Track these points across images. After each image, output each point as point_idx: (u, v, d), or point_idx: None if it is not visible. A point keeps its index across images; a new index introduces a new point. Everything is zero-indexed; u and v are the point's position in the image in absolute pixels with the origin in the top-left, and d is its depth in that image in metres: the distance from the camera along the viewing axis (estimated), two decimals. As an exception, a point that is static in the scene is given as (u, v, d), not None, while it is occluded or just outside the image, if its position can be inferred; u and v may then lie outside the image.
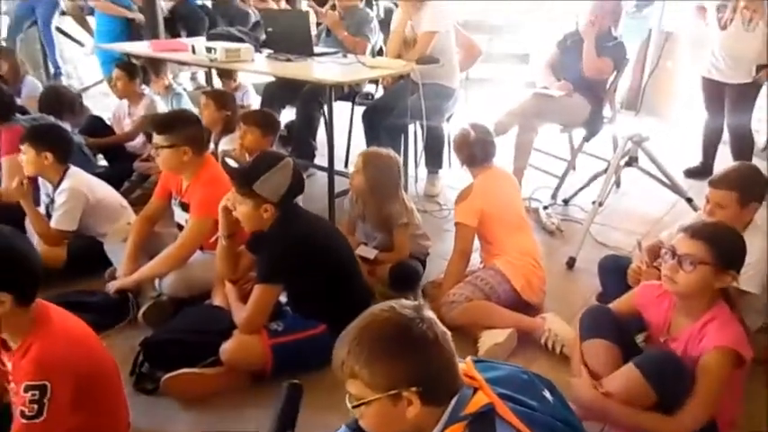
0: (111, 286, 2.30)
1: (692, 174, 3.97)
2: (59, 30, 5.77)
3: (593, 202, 2.94)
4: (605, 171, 3.10)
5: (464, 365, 1.07)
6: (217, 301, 2.21)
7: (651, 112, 5.32)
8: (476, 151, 2.47)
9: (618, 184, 3.73)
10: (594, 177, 3.36)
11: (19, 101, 3.77)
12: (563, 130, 3.61)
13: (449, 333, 1.02)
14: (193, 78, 5.83)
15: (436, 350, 0.99)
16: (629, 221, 3.32)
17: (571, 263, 2.81)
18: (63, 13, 5.66)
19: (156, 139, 2.27)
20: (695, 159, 4.09)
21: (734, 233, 1.59)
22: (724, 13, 3.49)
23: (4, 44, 5.11)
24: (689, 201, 3.08)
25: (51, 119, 3.05)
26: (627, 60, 3.57)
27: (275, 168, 1.93)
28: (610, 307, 1.78)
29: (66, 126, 3.25)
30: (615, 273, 2.17)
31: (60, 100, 3.38)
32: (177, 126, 2.28)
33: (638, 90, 3.08)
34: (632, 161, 3.00)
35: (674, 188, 3.12)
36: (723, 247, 1.51)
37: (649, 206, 3.51)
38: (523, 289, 2.32)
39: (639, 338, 1.87)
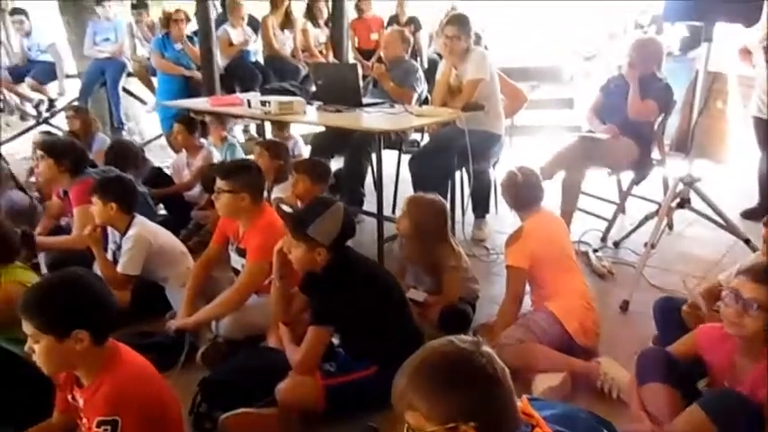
0: (171, 325, 2.40)
1: (749, 215, 3.85)
2: (125, 89, 6.19)
3: (646, 245, 2.90)
4: (656, 213, 3.06)
5: (520, 403, 1.08)
6: (272, 342, 2.27)
7: (703, 154, 5.21)
8: (523, 194, 2.49)
9: (671, 226, 3.65)
10: (646, 220, 3.31)
11: (90, 155, 4.06)
12: (611, 173, 3.59)
13: (507, 369, 1.03)
14: (246, 131, 6.10)
15: (495, 385, 1.00)
16: (684, 264, 3.24)
17: (625, 306, 2.76)
18: (129, 75, 6.07)
19: (219, 183, 2.40)
20: (752, 201, 3.98)
21: None
22: (773, 53, 3.47)
23: (76, 103, 5.49)
24: (746, 242, 2.99)
25: (118, 171, 3.26)
26: (674, 102, 3.56)
27: (327, 213, 2.01)
28: (668, 350, 1.74)
29: (131, 177, 3.47)
30: (671, 315, 2.12)
31: (125, 154, 3.62)
32: (239, 173, 2.42)
33: (688, 132, 3.06)
34: (684, 203, 2.95)
35: (731, 229, 3.04)
36: None
37: (705, 248, 3.42)
38: (576, 332, 2.28)
39: (702, 384, 1.81)
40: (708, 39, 2.77)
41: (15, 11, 6.34)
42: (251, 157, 3.64)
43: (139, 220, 2.64)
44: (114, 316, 1.50)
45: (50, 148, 2.95)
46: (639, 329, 2.56)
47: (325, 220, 2.00)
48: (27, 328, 1.43)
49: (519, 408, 1.06)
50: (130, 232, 2.58)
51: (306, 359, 1.99)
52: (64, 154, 2.90)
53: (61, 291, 1.47)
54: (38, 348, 1.43)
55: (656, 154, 3.57)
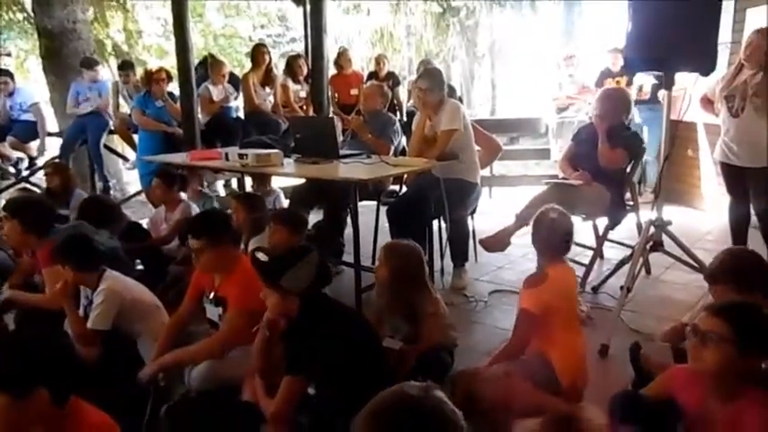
0: (143, 375, 2.31)
1: (724, 258, 3.89)
2: (106, 146, 6.23)
3: (621, 288, 2.91)
4: (631, 257, 3.09)
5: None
6: (247, 395, 2.21)
7: (678, 200, 5.35)
8: (555, 239, 2.36)
9: (648, 270, 3.70)
10: (621, 264, 3.34)
11: (67, 211, 4.05)
12: (585, 219, 3.64)
13: (459, 413, 1.02)
14: (227, 185, 6.14)
15: (447, 429, 0.99)
16: (662, 308, 3.25)
17: (604, 350, 2.75)
18: (111, 132, 6.13)
19: (194, 243, 2.39)
20: (728, 244, 4.04)
21: (759, 311, 1.56)
22: (734, 102, 3.57)
23: (56, 161, 5.51)
24: (721, 284, 3.01)
25: (85, 227, 3.25)
26: (643, 149, 3.66)
27: (301, 262, 2.01)
28: (641, 392, 1.73)
29: (104, 233, 3.45)
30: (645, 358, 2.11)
31: (98, 209, 3.60)
32: (210, 228, 2.42)
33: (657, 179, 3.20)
34: (657, 246, 2.99)
35: (703, 271, 3.06)
36: (746, 325, 1.48)
37: (683, 292, 3.45)
38: (568, 387, 2.22)
39: (679, 427, 1.78)
40: (667, 87, 2.89)
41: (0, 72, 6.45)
42: (229, 211, 3.66)
43: (110, 274, 2.59)
44: (76, 376, 1.46)
45: (14, 208, 2.89)
46: (619, 373, 2.53)
47: (298, 270, 1.99)
48: None
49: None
50: (101, 286, 2.53)
51: (279, 410, 1.94)
52: (28, 214, 2.85)
53: (19, 349, 1.43)
54: None
55: (629, 199, 3.65)
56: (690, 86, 3.43)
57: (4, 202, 4.89)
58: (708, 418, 1.56)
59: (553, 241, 2.35)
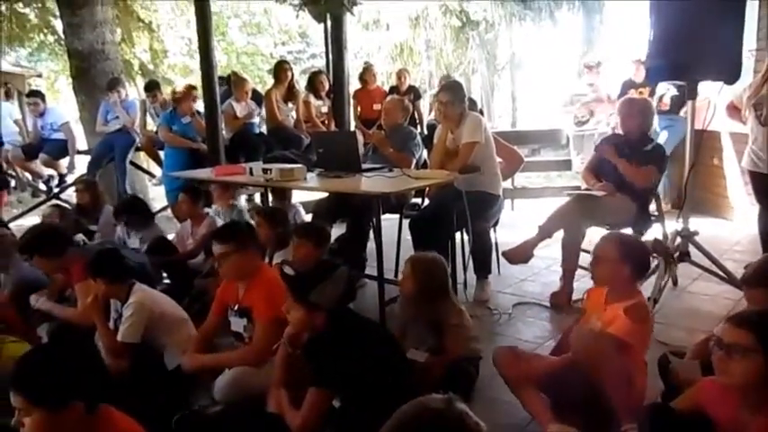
0: (186, 366, 2.39)
1: (753, 269, 3.82)
2: (133, 163, 6.37)
3: (648, 299, 2.87)
4: (656, 268, 3.05)
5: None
6: (272, 406, 2.23)
7: (704, 210, 5.26)
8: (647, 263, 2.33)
9: (675, 282, 3.64)
10: (647, 275, 3.29)
11: (96, 227, 4.15)
12: (610, 229, 3.60)
13: (483, 425, 1.02)
14: (250, 200, 6.21)
15: None
16: (690, 319, 3.20)
17: (631, 363, 2.70)
18: (138, 149, 6.26)
19: (221, 248, 2.44)
20: (757, 255, 3.95)
21: None
22: (761, 110, 3.51)
23: (86, 177, 5.65)
24: (751, 295, 2.96)
25: (110, 243, 3.38)
26: (667, 159, 3.62)
27: (330, 278, 2.03)
28: (670, 405, 1.71)
29: (135, 241, 3.54)
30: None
31: (135, 204, 3.87)
32: (236, 233, 2.48)
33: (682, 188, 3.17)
34: (683, 256, 2.95)
35: (733, 282, 3.02)
36: None
37: (711, 304, 3.38)
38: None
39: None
40: (691, 97, 2.86)
41: (31, 93, 6.66)
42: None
43: (139, 287, 2.65)
44: (106, 384, 1.49)
45: (29, 247, 2.99)
46: (648, 386, 2.49)
47: (327, 286, 2.02)
48: (16, 401, 1.40)
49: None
50: (131, 300, 2.59)
51: (306, 422, 1.95)
52: (44, 246, 2.95)
53: (53, 362, 1.46)
54: (28, 422, 1.40)
55: (654, 209, 3.61)
56: (714, 95, 3.39)
57: (36, 219, 5.04)
58: (742, 430, 1.54)
59: (646, 267, 2.33)
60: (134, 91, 10.15)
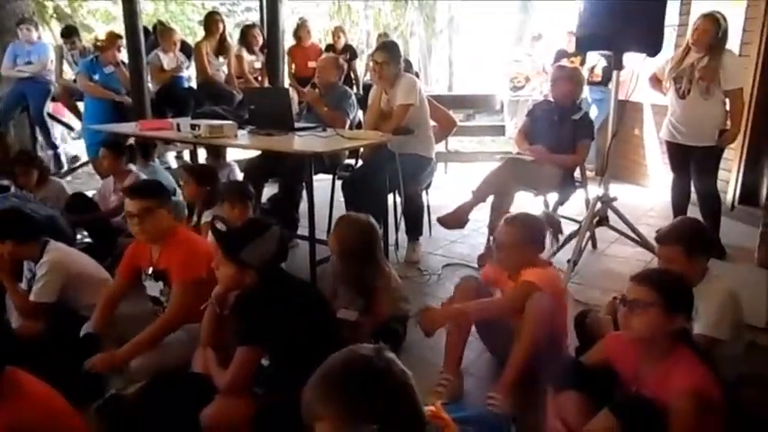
0: (93, 366, 2.22)
1: (664, 233, 4.08)
2: (49, 114, 5.96)
3: (568, 261, 3.02)
4: (578, 232, 3.20)
5: (433, 408, 1.10)
6: (197, 367, 2.20)
7: (623, 177, 5.54)
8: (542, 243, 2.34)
9: (594, 244, 3.83)
10: (569, 238, 3.44)
11: (7, 182, 3.88)
12: (537, 194, 3.74)
13: (409, 372, 1.05)
14: (179, 157, 5.99)
15: (396, 388, 1.02)
16: (607, 280, 3.39)
17: (550, 321, 2.84)
18: (53, 99, 5.86)
19: (138, 204, 2.31)
20: (669, 220, 4.22)
21: (678, 277, 1.68)
22: (681, 83, 3.69)
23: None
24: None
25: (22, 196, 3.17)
26: (593, 128, 3.77)
27: (262, 237, 2.00)
28: (581, 359, 1.82)
29: (14, 205, 3.31)
30: (589, 327, 2.21)
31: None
32: (153, 189, 2.38)
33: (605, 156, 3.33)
34: (603, 221, 3.11)
35: (645, 245, 3.21)
36: (668, 289, 1.59)
37: (626, 265, 3.59)
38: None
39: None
40: (617, 67, 2.97)
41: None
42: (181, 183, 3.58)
43: (54, 245, 2.51)
44: (12, 346, 1.42)
45: None
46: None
47: (258, 245, 1.98)
48: None
49: (431, 412, 1.08)
50: (44, 258, 2.45)
51: (235, 380, 1.94)
52: None
53: None
54: None
55: (578, 176, 3.76)
56: (638, 68, 3.53)
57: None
58: (642, 379, 1.66)
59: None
60: (49, 36, 9.42)
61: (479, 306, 2.22)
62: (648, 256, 3.42)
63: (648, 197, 5.21)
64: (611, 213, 3.27)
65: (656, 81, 3.83)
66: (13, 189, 3.74)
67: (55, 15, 10.97)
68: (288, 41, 6.48)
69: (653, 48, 2.86)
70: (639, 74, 3.43)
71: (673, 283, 1.63)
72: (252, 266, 1.97)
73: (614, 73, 3.02)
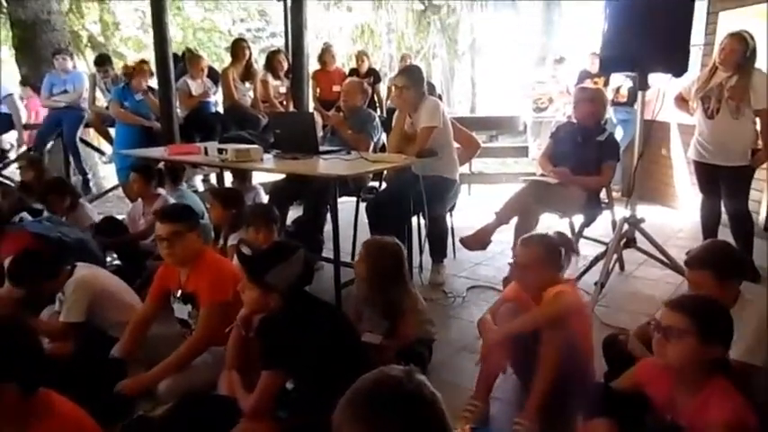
0: (125, 389, 2.26)
1: (694, 255, 3.99)
2: (82, 140, 6.14)
3: (595, 283, 2.97)
4: (605, 253, 3.15)
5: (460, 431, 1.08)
6: (223, 389, 2.21)
7: (650, 198, 5.46)
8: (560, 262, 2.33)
9: (622, 266, 3.77)
10: (596, 260, 3.41)
11: (41, 205, 3.99)
12: (562, 216, 3.70)
13: (438, 394, 1.04)
14: (206, 180, 6.09)
15: (424, 410, 1.00)
16: (635, 303, 3.32)
17: (578, 345, 2.79)
18: (87, 125, 6.03)
19: (168, 228, 2.35)
20: (699, 242, 4.13)
21: (715, 304, 1.62)
22: (709, 103, 3.63)
23: (31, 154, 5.42)
24: (691, 280, 3.10)
25: (55, 219, 3.29)
26: (619, 149, 3.73)
27: (287, 261, 2.02)
28: (610, 385, 1.78)
29: (75, 228, 3.42)
30: (618, 352, 2.16)
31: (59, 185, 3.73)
32: (183, 213, 2.43)
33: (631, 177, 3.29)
34: (630, 242, 3.06)
35: (675, 267, 3.15)
36: (704, 318, 1.54)
37: (655, 288, 3.52)
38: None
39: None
40: (642, 87, 2.95)
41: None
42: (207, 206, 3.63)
43: (81, 266, 2.57)
44: (45, 367, 1.44)
45: None
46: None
47: (284, 268, 2.00)
48: None
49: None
50: (72, 278, 2.51)
51: (258, 404, 1.95)
52: None
53: None
54: None
55: (604, 197, 3.71)
56: (663, 87, 3.50)
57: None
58: (677, 408, 1.62)
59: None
60: (83, 64, 9.74)
61: (518, 325, 2.19)
62: (678, 279, 3.35)
63: (677, 218, 5.11)
64: (638, 235, 3.22)
65: (681, 101, 3.79)
66: (45, 213, 3.84)
67: (89, 45, 11.35)
68: (312, 66, 6.60)
69: (679, 68, 2.84)
70: (666, 93, 3.40)
71: (709, 310, 1.58)
72: (277, 290, 1.99)
73: (639, 93, 3.00)
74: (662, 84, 3.54)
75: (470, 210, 4.76)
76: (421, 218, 3.73)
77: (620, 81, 5.77)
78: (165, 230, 2.36)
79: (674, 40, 2.78)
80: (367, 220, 3.68)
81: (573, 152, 3.59)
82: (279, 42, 9.29)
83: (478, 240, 3.48)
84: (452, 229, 3.93)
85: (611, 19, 2.87)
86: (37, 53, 6.29)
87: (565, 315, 2.11)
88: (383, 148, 4.29)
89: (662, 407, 1.67)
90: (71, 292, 2.48)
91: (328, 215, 3.93)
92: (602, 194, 3.69)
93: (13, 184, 4.60)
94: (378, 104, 6.74)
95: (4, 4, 6.77)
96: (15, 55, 6.64)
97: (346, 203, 3.87)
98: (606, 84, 5.83)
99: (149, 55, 5.87)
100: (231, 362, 2.20)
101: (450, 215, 3.94)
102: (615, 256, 3.34)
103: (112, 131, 5.82)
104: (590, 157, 3.54)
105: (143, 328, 2.50)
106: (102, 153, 6.59)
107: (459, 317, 3.26)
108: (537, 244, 2.22)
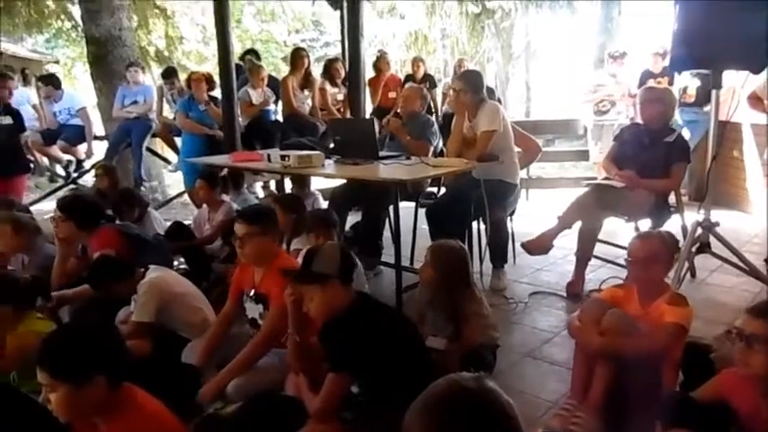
0: (205, 396, 2.33)
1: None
2: (149, 149, 6.41)
3: (667, 290, 2.85)
4: (676, 259, 3.02)
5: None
6: (289, 390, 2.25)
7: (723, 202, 5.20)
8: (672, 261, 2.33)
9: (693, 273, 3.61)
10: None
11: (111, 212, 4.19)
12: (628, 221, 3.58)
13: (512, 401, 1.03)
14: (265, 187, 6.23)
15: (497, 418, 0.99)
16: (710, 311, 3.17)
17: (649, 354, 2.69)
18: (154, 135, 6.30)
19: (246, 228, 2.42)
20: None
21: None
22: (785, 101, 3.47)
23: (105, 163, 5.70)
24: (772, 287, 2.94)
25: (134, 227, 3.40)
26: (689, 150, 3.58)
27: (322, 249, 2.09)
28: (691, 395, 1.70)
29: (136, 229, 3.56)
30: (696, 360, 2.07)
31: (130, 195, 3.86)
32: (260, 215, 2.49)
33: (703, 181, 3.13)
34: (704, 247, 2.92)
35: (754, 273, 2.99)
36: None
37: (730, 295, 3.36)
38: None
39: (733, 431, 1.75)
40: (716, 86, 2.82)
41: (41, 78, 6.70)
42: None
43: (154, 268, 2.67)
44: (128, 359, 1.52)
45: (65, 206, 3.05)
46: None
47: (323, 254, 2.05)
48: (42, 377, 1.45)
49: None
50: (144, 279, 2.61)
51: (324, 406, 1.96)
52: (76, 210, 3.01)
53: (75, 338, 1.51)
54: (54, 397, 1.44)
55: (672, 200, 3.57)
56: (738, 86, 3.34)
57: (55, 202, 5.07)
58: (762, 420, 1.53)
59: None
60: (149, 78, 10.20)
61: (632, 349, 2.07)
62: (756, 287, 3.18)
63: (751, 223, 4.86)
64: (712, 240, 3.08)
65: (756, 100, 3.62)
66: (117, 222, 4.02)
67: (156, 59, 11.87)
68: (368, 73, 6.66)
69: (757, 64, 2.70)
70: (740, 92, 3.24)
71: None
72: (329, 276, 2.00)
73: (713, 92, 2.87)
74: (735, 82, 3.37)
75: (529, 215, 4.68)
76: (481, 223, 3.69)
77: (687, 81, 5.54)
78: (240, 230, 2.45)
79: (752, 35, 2.65)
80: (427, 226, 3.67)
81: (639, 154, 3.47)
82: (333, 51, 9.45)
83: (540, 245, 3.42)
84: (513, 233, 3.88)
85: (682, 16, 2.77)
86: (109, 68, 6.63)
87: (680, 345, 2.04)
88: (441, 153, 4.27)
89: (747, 419, 1.58)
90: (143, 293, 2.58)
91: (387, 220, 3.96)
92: (671, 198, 3.56)
93: (88, 192, 4.84)
94: (434, 110, 6.73)
95: (80, 22, 7.16)
96: (90, 70, 7.01)
97: (404, 209, 3.87)
98: (670, 84, 5.62)
99: (209, 67, 6.08)
100: (294, 367, 2.23)
101: (511, 220, 3.89)
102: (686, 263, 3.20)
103: (178, 141, 6.05)
104: (657, 159, 3.41)
105: (225, 328, 2.59)
106: (167, 162, 6.86)
107: (521, 323, 3.20)
108: (656, 238, 2.21)
